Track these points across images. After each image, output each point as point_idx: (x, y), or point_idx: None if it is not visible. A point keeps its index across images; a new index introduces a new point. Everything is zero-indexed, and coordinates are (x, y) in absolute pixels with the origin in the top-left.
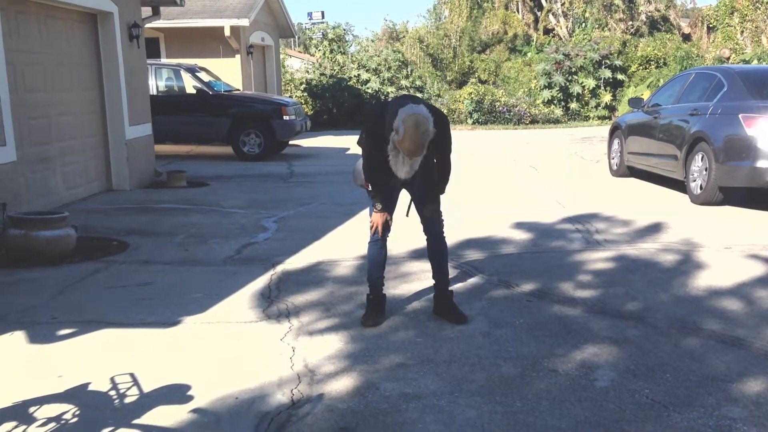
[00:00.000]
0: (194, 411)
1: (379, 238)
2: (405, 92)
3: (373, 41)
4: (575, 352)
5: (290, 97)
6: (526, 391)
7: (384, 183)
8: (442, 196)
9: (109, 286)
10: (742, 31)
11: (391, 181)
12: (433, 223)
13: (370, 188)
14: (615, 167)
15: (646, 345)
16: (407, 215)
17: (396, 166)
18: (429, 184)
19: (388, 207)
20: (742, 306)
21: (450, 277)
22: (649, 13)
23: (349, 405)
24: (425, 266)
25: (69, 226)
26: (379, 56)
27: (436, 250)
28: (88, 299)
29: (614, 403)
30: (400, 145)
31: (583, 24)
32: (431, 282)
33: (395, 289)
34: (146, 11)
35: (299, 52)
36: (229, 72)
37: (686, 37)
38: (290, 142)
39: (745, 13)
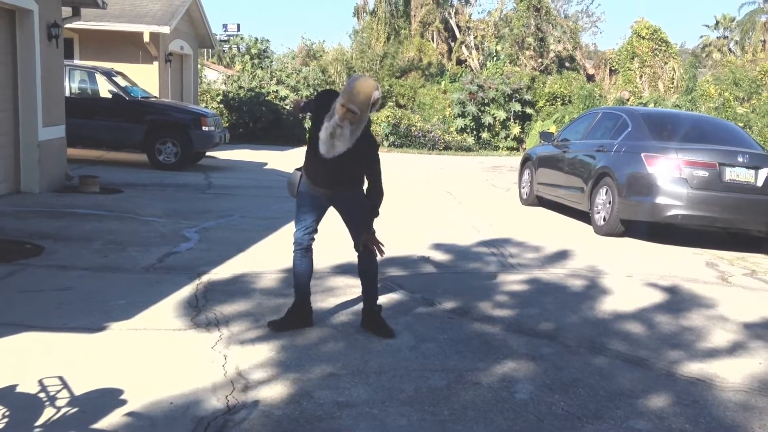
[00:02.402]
0: (128, 414)
1: (302, 247)
2: None
3: (292, 58)
4: (496, 366)
5: (206, 107)
6: (452, 401)
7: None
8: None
9: (25, 289)
10: (641, 76)
11: (317, 189)
12: (367, 246)
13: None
14: (525, 196)
15: (559, 362)
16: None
17: (327, 143)
18: (361, 208)
19: (313, 216)
20: (644, 329)
21: None
22: (558, 53)
23: (284, 411)
24: (350, 281)
25: None
26: (298, 74)
27: (366, 271)
28: (5, 302)
29: (533, 414)
30: (347, 99)
31: (495, 58)
32: (357, 296)
33: (322, 302)
34: (66, 11)
35: (213, 63)
36: (146, 78)
37: (590, 78)
38: (206, 154)
39: (645, 59)
